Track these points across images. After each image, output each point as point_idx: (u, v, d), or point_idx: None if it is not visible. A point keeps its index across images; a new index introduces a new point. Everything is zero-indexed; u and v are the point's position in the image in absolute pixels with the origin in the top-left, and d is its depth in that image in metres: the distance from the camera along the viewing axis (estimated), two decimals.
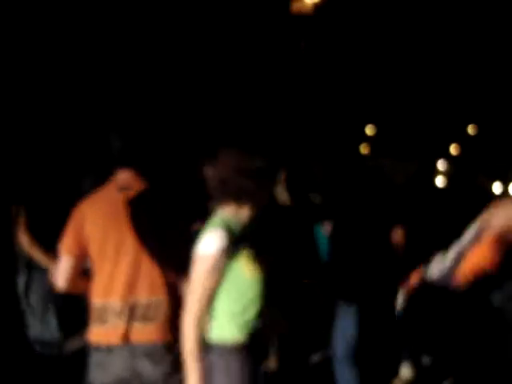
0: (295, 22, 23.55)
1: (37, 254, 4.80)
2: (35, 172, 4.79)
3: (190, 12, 24.12)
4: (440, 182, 29.70)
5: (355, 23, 32.17)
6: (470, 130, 43.49)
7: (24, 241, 4.80)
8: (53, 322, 4.87)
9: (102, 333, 3.45)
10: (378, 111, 38.21)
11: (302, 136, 27.27)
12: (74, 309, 4.70)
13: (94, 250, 3.47)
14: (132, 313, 3.36)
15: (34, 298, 4.86)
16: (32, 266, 4.83)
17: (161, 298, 3.45)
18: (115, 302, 3.40)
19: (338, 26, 30.93)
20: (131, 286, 3.40)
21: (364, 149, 40.23)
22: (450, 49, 36.76)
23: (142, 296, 3.39)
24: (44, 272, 4.65)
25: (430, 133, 39.46)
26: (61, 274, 3.54)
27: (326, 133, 32.52)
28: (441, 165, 36.14)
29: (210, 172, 3.02)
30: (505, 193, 29.61)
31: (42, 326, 4.84)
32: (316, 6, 23.38)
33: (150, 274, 3.41)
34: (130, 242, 3.39)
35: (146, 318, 3.36)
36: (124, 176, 3.66)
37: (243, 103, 27.12)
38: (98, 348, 3.41)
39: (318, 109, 31.23)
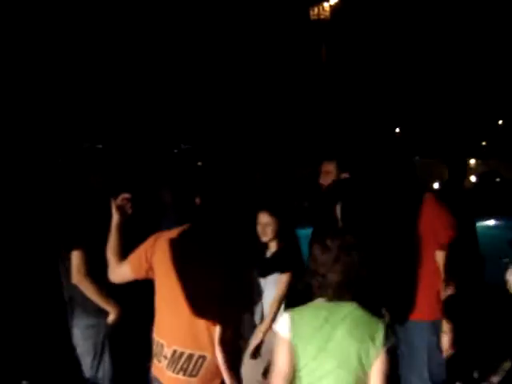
0: (315, 27, 23.56)
1: (99, 299, 4.71)
2: (92, 214, 4.74)
3: (209, 20, 24.29)
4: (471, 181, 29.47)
5: (374, 25, 32.08)
6: (499, 124, 43.17)
7: (89, 287, 4.67)
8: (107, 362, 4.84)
9: (158, 368, 3.45)
10: (406, 110, 38.06)
11: (328, 138, 27.22)
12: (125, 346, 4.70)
13: (157, 281, 3.50)
14: (176, 361, 3.35)
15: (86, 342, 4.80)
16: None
17: (205, 354, 3.41)
18: (164, 344, 3.42)
19: (357, 29, 30.85)
20: (180, 334, 3.38)
21: (392, 149, 40.04)
22: (472, 49, 36.54)
23: (187, 347, 3.36)
24: (95, 317, 4.64)
25: (458, 132, 39.22)
26: (118, 275, 3.66)
27: (352, 135, 32.44)
28: (472, 163, 35.76)
29: None
30: None
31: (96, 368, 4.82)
32: (334, 10, 23.38)
33: (200, 326, 3.37)
34: (190, 291, 3.39)
35: (186, 370, 3.34)
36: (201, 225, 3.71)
37: (266, 110, 27.18)
38: (157, 380, 3.44)
39: (340, 113, 31.17)
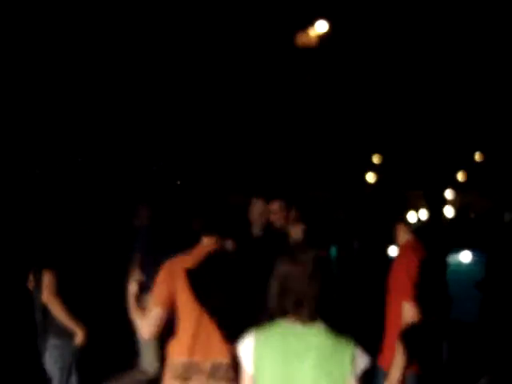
0: (301, 55, 23.75)
1: (66, 320, 4.74)
2: (65, 236, 4.79)
3: (195, 48, 24.36)
4: (448, 211, 29.81)
5: (359, 54, 32.39)
6: (478, 157, 43.48)
7: (57, 307, 4.70)
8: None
9: None
10: (384, 140, 38.30)
11: (309, 167, 27.31)
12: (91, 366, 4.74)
13: (180, 307, 3.63)
14: (214, 372, 3.49)
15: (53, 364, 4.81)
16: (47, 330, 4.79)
17: (225, 360, 3.63)
18: (199, 360, 3.53)
19: (343, 58, 31.14)
20: (212, 346, 3.55)
21: (371, 178, 40.26)
22: (456, 77, 36.89)
23: (219, 357, 3.55)
24: (63, 337, 4.64)
25: (437, 161, 39.48)
26: (150, 324, 3.68)
27: (333, 163, 32.60)
28: (448, 194, 36.08)
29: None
30: None
31: None
32: (320, 38, 23.58)
33: (219, 336, 3.57)
34: (210, 309, 3.55)
35: (226, 377, 3.51)
36: (209, 242, 3.97)
37: (253, 139, 27.26)
38: None
39: (324, 139, 31.29)
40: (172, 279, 3.70)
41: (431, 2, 31.77)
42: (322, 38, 23.28)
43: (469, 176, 42.96)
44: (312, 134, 28.09)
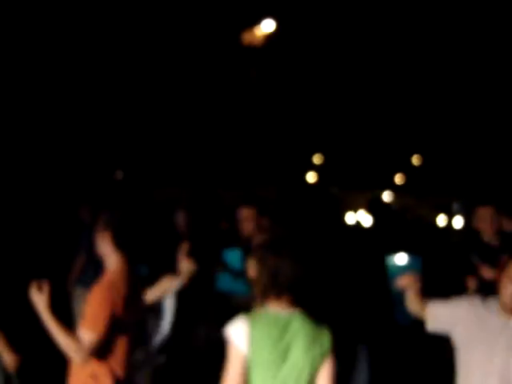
0: (246, 53, 23.77)
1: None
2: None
3: (140, 43, 24.17)
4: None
5: (305, 54, 32.66)
6: (415, 160, 44.34)
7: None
8: None
9: None
10: (325, 141, 38.71)
11: (251, 164, 27.40)
12: None
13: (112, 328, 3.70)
14: None
15: None
16: None
17: None
18: None
19: (288, 57, 31.34)
20: None
21: (311, 177, 40.64)
22: (394, 78, 37.58)
23: None
24: None
25: (376, 162, 40.13)
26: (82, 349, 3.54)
27: (274, 161, 32.79)
28: (387, 196, 36.79)
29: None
30: (449, 225, 30.27)
31: None
32: (267, 37, 23.65)
33: None
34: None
35: None
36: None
37: (195, 135, 27.20)
38: None
39: (267, 137, 31.44)
40: (110, 300, 3.60)
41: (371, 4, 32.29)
42: (269, 37, 23.35)
43: (406, 179, 43.78)
44: (253, 132, 28.18)
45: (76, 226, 7.86)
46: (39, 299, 3.42)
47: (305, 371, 2.71)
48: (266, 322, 2.73)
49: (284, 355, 2.68)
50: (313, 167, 41.46)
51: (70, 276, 7.94)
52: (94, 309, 3.50)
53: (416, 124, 39.49)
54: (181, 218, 5.69)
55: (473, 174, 37.09)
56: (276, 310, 2.77)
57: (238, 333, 2.70)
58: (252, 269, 2.91)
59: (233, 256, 5.38)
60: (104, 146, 24.28)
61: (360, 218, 27.19)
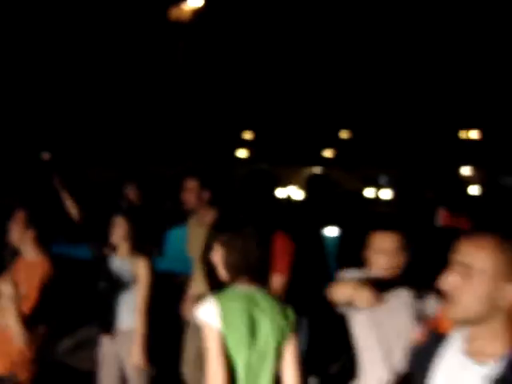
0: (174, 28, 23.50)
1: None
2: None
3: (69, 20, 23.60)
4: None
5: (234, 29, 32.52)
6: (344, 134, 45.00)
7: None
8: None
9: None
10: (255, 117, 38.82)
11: (180, 141, 27.22)
12: None
13: None
14: None
15: None
16: None
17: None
18: None
19: (217, 33, 31.13)
20: None
21: (242, 153, 40.75)
22: (322, 57, 37.92)
23: None
24: None
25: (305, 138, 40.54)
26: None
27: (203, 138, 32.68)
28: (317, 170, 37.24)
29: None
30: (377, 197, 30.98)
31: None
32: (195, 13, 23.42)
33: None
34: None
35: None
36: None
37: (123, 111, 26.80)
38: None
39: (196, 114, 31.26)
40: None
41: None
42: (197, 13, 23.13)
43: (335, 153, 44.40)
44: (183, 110, 27.95)
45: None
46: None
47: (273, 342, 2.81)
48: (236, 299, 2.81)
49: (254, 328, 2.77)
50: (243, 143, 41.56)
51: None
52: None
53: (344, 99, 40.02)
54: (132, 192, 5.60)
55: (399, 147, 37.94)
56: (243, 288, 2.86)
57: (209, 313, 2.76)
58: (217, 252, 2.90)
59: (175, 235, 5.34)
60: (31, 127, 23.67)
61: (291, 193, 27.50)
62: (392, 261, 3.10)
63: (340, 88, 39.53)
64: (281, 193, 28.63)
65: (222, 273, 2.90)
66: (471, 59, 38.24)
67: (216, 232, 2.95)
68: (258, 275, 2.88)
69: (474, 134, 41.81)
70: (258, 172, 4.78)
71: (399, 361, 2.90)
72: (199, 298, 2.94)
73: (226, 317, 2.73)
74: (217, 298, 2.79)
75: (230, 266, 2.85)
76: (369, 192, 31.62)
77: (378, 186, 33.71)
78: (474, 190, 34.39)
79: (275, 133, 40.22)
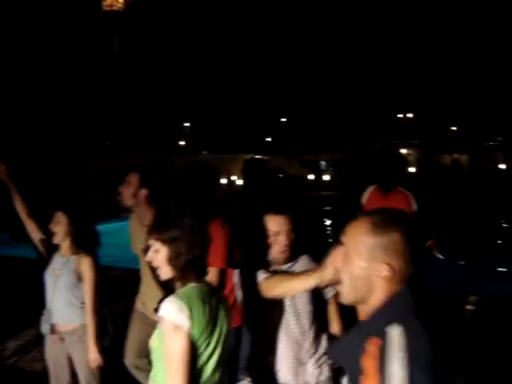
0: (107, 17, 23.25)
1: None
2: None
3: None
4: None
5: (170, 19, 32.30)
6: (283, 122, 45.29)
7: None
8: None
9: None
10: (195, 107, 38.73)
11: (120, 134, 26.97)
12: None
13: None
14: None
15: None
16: None
17: None
18: None
19: (152, 21, 30.86)
20: None
21: (183, 143, 40.61)
22: (259, 45, 38.03)
23: None
24: None
25: (247, 126, 40.65)
26: None
27: (145, 129, 32.43)
28: (259, 157, 37.34)
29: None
30: (318, 179, 31.37)
31: None
32: (128, 2, 23.23)
33: None
34: None
35: None
36: None
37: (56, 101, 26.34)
38: None
39: (135, 105, 30.98)
40: None
41: None
42: (130, 2, 22.95)
43: (276, 140, 44.65)
44: (121, 101, 27.68)
45: None
46: None
47: (226, 334, 2.87)
48: (196, 297, 2.82)
49: (213, 322, 2.83)
50: (184, 134, 41.41)
51: None
52: None
53: (282, 86, 40.27)
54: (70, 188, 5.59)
55: (339, 132, 38.45)
56: (196, 285, 2.86)
57: (175, 312, 2.74)
58: (159, 251, 2.89)
59: (108, 229, 5.31)
60: None
61: (233, 180, 27.59)
62: (286, 241, 3.29)
63: (278, 75, 39.74)
64: (223, 180, 28.72)
65: (165, 271, 2.88)
66: (408, 46, 38.96)
67: (155, 231, 2.93)
68: (203, 270, 2.91)
69: (410, 115, 42.70)
70: (196, 165, 4.80)
71: (305, 323, 3.29)
72: (156, 298, 2.93)
73: (192, 315, 2.73)
74: (179, 298, 2.77)
75: (176, 264, 2.84)
76: (311, 177, 31.98)
77: (319, 171, 34.12)
78: (411, 168, 35.22)
79: (216, 122, 40.21)
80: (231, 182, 26.51)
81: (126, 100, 28.07)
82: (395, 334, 1.78)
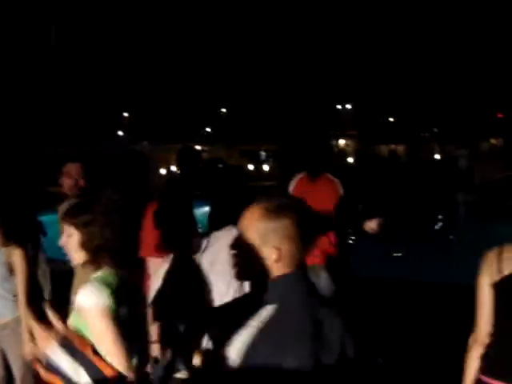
0: (45, 5, 22.81)
1: None
2: None
3: None
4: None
5: (106, 8, 31.87)
6: (223, 111, 45.30)
7: None
8: None
9: None
10: (134, 97, 38.33)
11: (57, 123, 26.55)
12: None
13: None
14: None
15: None
16: None
17: None
18: None
19: (89, 11, 30.39)
20: None
21: (122, 133, 40.20)
22: (195, 35, 37.86)
23: None
24: None
25: (186, 116, 40.47)
26: None
27: (83, 119, 31.98)
28: (198, 147, 37.26)
29: None
30: (258, 169, 31.62)
31: None
32: None
33: None
34: None
35: None
36: None
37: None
38: None
39: (73, 96, 30.52)
40: None
41: None
42: None
43: (215, 130, 44.62)
44: (59, 91, 27.22)
45: None
46: None
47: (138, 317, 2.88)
48: (109, 280, 2.78)
49: (127, 307, 2.78)
50: (123, 124, 40.98)
51: None
52: None
53: (222, 77, 40.22)
54: None
55: (278, 122, 38.65)
56: (109, 269, 2.82)
57: (94, 297, 2.70)
58: (71, 236, 2.86)
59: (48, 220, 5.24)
60: None
61: (172, 169, 27.55)
62: None
63: (218, 66, 39.67)
64: (163, 172, 28.63)
65: (79, 256, 2.85)
66: (346, 38, 39.40)
67: (67, 216, 2.90)
68: (118, 254, 2.85)
69: (348, 107, 43.29)
70: (126, 153, 4.80)
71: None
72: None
73: (109, 296, 2.70)
74: (94, 282, 2.75)
75: (89, 249, 2.82)
76: (250, 167, 32.18)
77: (259, 161, 34.32)
78: (349, 159, 35.75)
79: (155, 112, 39.90)
80: (170, 172, 26.39)
81: (63, 91, 27.56)
82: (264, 312, 1.93)
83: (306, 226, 1.99)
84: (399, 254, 11.17)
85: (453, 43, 39.17)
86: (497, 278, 2.71)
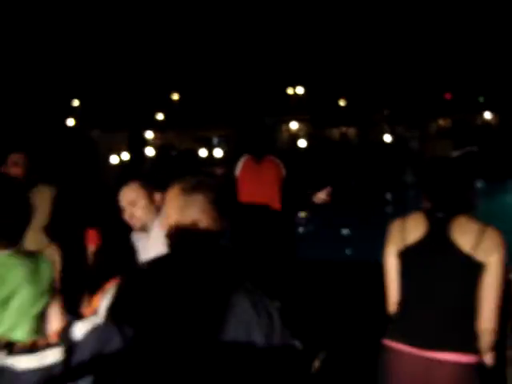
0: None
1: None
2: None
3: None
4: (150, 152, 30.79)
5: None
6: (174, 96, 44.93)
7: None
8: None
9: None
10: (83, 84, 37.78)
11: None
12: None
13: None
14: None
15: None
16: None
17: None
18: None
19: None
20: None
21: (71, 121, 39.59)
22: (147, 21, 37.48)
23: None
24: None
25: (136, 102, 40.06)
26: None
27: (32, 107, 31.42)
28: (148, 135, 36.95)
29: None
30: (210, 156, 31.52)
31: None
32: None
33: None
34: None
35: None
36: None
37: None
38: None
39: (19, 83, 29.96)
40: None
41: None
42: None
43: (167, 115, 44.24)
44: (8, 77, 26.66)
45: None
46: None
47: (31, 308, 2.71)
48: (9, 264, 2.69)
49: (38, 288, 2.72)
50: (72, 111, 40.35)
51: None
52: None
53: (172, 62, 39.91)
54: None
55: (230, 106, 38.61)
56: (9, 252, 2.72)
57: None
58: None
59: None
60: None
61: (124, 157, 27.32)
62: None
63: (168, 52, 39.35)
64: (114, 159, 28.35)
65: None
66: (295, 22, 39.48)
67: None
68: (16, 237, 2.75)
69: (300, 90, 43.41)
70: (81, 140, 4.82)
71: None
72: None
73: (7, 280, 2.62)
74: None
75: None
76: (202, 152, 32.06)
77: (211, 146, 34.25)
78: (301, 142, 35.96)
79: (105, 98, 39.39)
80: (121, 160, 26.18)
81: (10, 77, 27.00)
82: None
83: (220, 202, 2.18)
84: (348, 234, 11.33)
85: (401, 26, 39.60)
86: (401, 246, 2.82)
